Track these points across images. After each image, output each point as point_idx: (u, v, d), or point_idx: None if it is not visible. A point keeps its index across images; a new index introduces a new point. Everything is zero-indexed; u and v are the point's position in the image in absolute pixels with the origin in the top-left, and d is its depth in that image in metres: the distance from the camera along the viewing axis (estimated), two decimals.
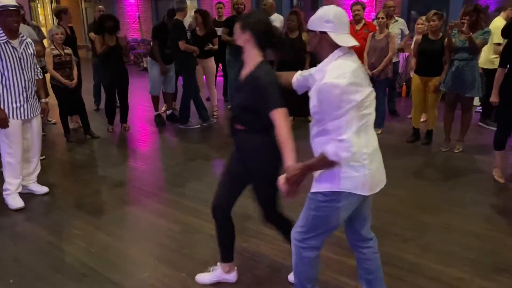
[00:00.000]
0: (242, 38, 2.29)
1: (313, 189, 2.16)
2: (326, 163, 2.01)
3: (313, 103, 2.05)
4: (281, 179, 2.09)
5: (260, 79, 2.23)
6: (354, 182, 2.06)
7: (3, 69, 3.65)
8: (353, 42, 2.03)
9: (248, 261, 3.03)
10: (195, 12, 6.58)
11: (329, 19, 2.01)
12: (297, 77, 2.39)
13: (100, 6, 8.13)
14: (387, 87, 6.18)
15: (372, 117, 2.09)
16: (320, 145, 2.03)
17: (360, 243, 2.42)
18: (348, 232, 2.42)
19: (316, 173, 2.13)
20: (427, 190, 4.22)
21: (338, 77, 1.92)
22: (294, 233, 2.29)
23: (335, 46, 2.01)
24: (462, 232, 3.41)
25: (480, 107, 7.26)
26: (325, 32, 2.01)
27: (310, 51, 2.17)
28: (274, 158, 2.29)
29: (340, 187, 2.06)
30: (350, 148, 1.94)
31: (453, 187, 4.26)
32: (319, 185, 2.13)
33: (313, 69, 2.22)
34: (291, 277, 2.71)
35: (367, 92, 2.01)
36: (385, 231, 3.42)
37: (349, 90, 1.91)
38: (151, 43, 6.71)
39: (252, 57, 2.31)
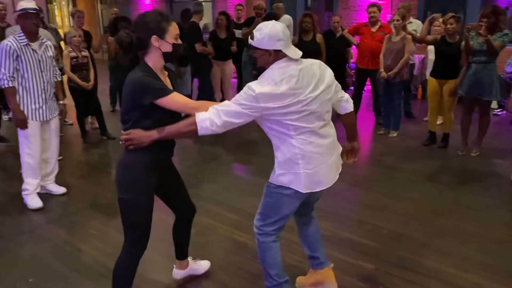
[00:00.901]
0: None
1: (269, 178, 2.37)
2: (188, 128, 2.19)
3: None
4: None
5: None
6: (288, 178, 2.27)
7: (23, 71, 3.71)
8: (299, 53, 2.21)
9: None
10: (220, 14, 6.59)
11: (280, 38, 2.14)
12: None
13: (114, 9, 8.21)
14: (403, 90, 6.13)
15: (319, 122, 2.24)
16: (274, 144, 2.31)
17: (303, 223, 2.68)
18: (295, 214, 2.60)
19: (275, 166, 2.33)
20: (443, 194, 4.18)
21: (263, 85, 2.11)
22: (254, 221, 2.49)
23: (283, 58, 2.18)
24: (480, 237, 3.37)
25: (498, 110, 7.18)
26: (279, 50, 2.16)
27: (262, 66, 2.25)
28: None
29: (278, 181, 2.31)
30: (217, 129, 2.14)
31: (470, 191, 4.21)
32: (272, 176, 2.35)
33: None
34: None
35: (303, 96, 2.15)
36: (401, 235, 3.40)
37: (260, 95, 2.09)
38: None
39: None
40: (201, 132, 2.16)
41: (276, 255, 2.50)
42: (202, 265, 2.96)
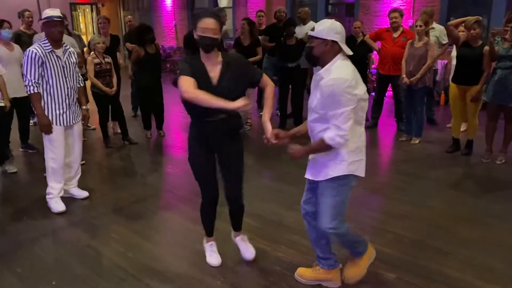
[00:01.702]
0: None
1: (326, 177, 2.52)
2: (323, 147, 2.44)
3: (316, 96, 2.46)
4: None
5: None
6: (355, 166, 2.52)
7: (48, 77, 3.79)
8: (350, 51, 2.47)
9: (283, 272, 3.01)
10: (243, 19, 6.62)
11: (337, 31, 2.43)
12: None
13: (129, 16, 8.35)
14: (425, 96, 6.04)
15: (364, 113, 2.53)
16: (319, 131, 2.47)
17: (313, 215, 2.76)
18: (309, 205, 2.77)
19: (321, 164, 2.54)
20: (467, 202, 4.09)
21: (345, 74, 2.35)
22: (324, 224, 2.58)
23: (337, 53, 2.44)
24: (505, 247, 3.28)
25: None
26: (335, 41, 2.41)
27: (316, 55, 2.48)
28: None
29: (349, 170, 2.49)
30: (346, 136, 2.37)
31: (495, 200, 4.11)
32: (326, 173, 2.52)
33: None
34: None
35: (364, 89, 2.44)
36: (424, 243, 3.34)
37: (352, 84, 2.33)
38: (185, 52, 6.76)
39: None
40: (338, 146, 2.43)
41: (350, 229, 2.70)
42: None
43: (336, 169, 2.49)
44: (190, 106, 2.60)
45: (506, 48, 4.66)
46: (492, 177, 4.72)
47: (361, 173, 2.56)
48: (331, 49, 2.42)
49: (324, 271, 2.83)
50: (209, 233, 3.18)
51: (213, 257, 3.13)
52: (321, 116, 2.44)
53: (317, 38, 2.44)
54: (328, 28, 2.42)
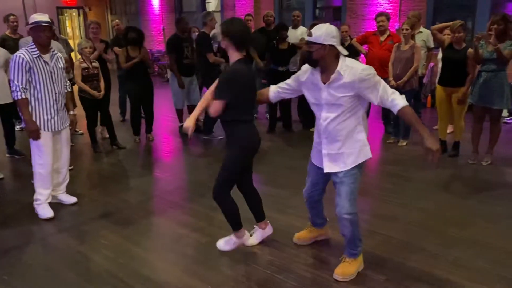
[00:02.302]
0: (223, 43, 2.92)
1: (347, 167, 2.78)
2: (412, 112, 2.72)
3: (346, 93, 2.66)
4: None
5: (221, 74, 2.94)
6: (367, 150, 2.84)
7: (36, 83, 3.76)
8: (346, 51, 2.70)
9: (274, 275, 3.02)
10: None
11: (334, 35, 2.64)
12: (275, 90, 3.09)
13: (117, 20, 8.31)
14: (412, 98, 6.10)
15: None
16: (338, 125, 2.75)
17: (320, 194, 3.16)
18: (317, 188, 3.10)
19: (340, 156, 2.79)
20: (455, 204, 4.14)
21: (367, 67, 2.64)
22: (345, 214, 2.80)
23: (337, 54, 2.66)
24: (493, 248, 3.32)
25: (509, 118, 7.12)
26: (332, 45, 2.63)
27: (315, 59, 2.68)
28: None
29: (366, 155, 2.83)
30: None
31: (482, 201, 4.17)
32: (353, 161, 2.78)
33: (300, 73, 2.89)
34: None
35: None
36: (413, 245, 3.37)
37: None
38: (169, 57, 6.73)
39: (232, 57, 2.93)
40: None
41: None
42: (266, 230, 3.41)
43: (362, 155, 2.80)
44: None
45: (490, 51, 4.74)
46: (479, 178, 4.79)
47: (369, 155, 2.87)
48: (330, 53, 2.64)
49: (317, 230, 3.37)
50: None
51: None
52: (347, 113, 2.71)
53: (315, 43, 2.62)
54: (325, 34, 2.61)
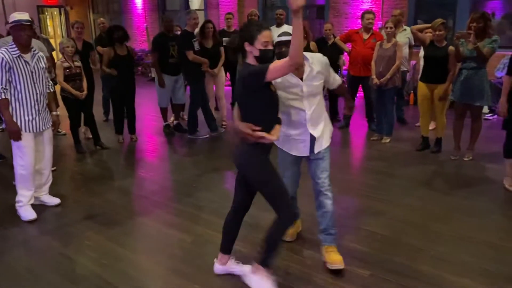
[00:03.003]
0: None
1: (328, 142, 3.06)
2: None
3: (320, 80, 2.94)
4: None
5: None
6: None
7: (16, 83, 3.70)
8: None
9: None
10: (208, 22, 6.56)
11: None
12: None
13: (101, 19, 8.20)
14: (395, 96, 6.18)
15: None
16: (323, 110, 3.04)
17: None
18: (297, 180, 3.27)
19: (323, 134, 3.02)
20: (438, 200, 4.20)
21: (319, 54, 3.04)
22: (327, 181, 3.04)
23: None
24: (475, 242, 3.39)
25: (490, 115, 7.25)
26: None
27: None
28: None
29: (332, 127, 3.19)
30: None
31: (464, 196, 4.24)
32: (330, 134, 3.10)
33: None
34: None
35: None
36: (398, 240, 3.41)
37: None
38: (152, 55, 6.70)
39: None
40: None
41: None
42: (242, 268, 2.97)
43: (331, 127, 3.14)
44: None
45: (470, 49, 4.81)
46: (461, 174, 4.87)
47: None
48: None
49: (297, 222, 3.49)
50: None
51: None
52: (320, 95, 2.99)
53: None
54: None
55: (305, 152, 3.01)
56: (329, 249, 3.08)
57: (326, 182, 3.04)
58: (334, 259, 3.00)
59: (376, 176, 4.82)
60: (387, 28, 5.71)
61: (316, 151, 3.01)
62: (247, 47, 2.55)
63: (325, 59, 2.96)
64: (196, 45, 6.20)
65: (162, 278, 3.01)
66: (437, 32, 5.12)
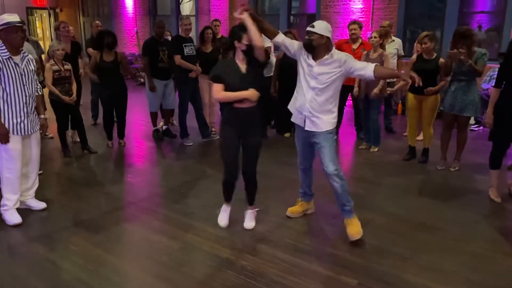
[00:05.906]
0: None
1: (323, 129, 3.45)
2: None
3: (334, 69, 3.39)
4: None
5: None
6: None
7: (5, 85, 3.66)
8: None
9: (247, 281, 3.02)
10: (208, 28, 6.59)
11: (330, 30, 3.38)
12: (283, 37, 3.54)
13: (97, 22, 8.17)
14: (383, 104, 6.24)
15: None
16: (324, 101, 3.47)
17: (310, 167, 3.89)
18: (306, 162, 3.82)
19: (319, 120, 3.45)
20: (424, 209, 4.24)
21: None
22: (331, 168, 3.42)
23: (329, 47, 3.37)
24: (461, 251, 3.43)
25: (475, 126, 7.35)
26: (328, 37, 3.34)
27: (314, 46, 3.34)
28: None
29: (333, 124, 3.52)
30: None
31: (451, 206, 4.29)
32: (327, 125, 3.46)
33: (299, 46, 3.49)
34: None
35: None
36: (383, 250, 3.43)
37: None
38: (142, 60, 6.70)
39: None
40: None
41: None
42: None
43: (331, 122, 3.47)
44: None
45: (459, 64, 4.88)
46: (447, 184, 4.93)
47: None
48: (325, 44, 3.33)
49: (307, 203, 4.00)
50: (228, 198, 3.80)
51: (222, 217, 3.81)
52: (327, 86, 3.40)
53: (315, 33, 3.29)
54: (324, 27, 3.34)
55: (301, 123, 3.52)
56: (348, 221, 3.56)
57: (330, 167, 3.42)
58: (351, 232, 3.50)
59: (364, 185, 4.85)
60: (371, 38, 5.77)
61: (307, 127, 3.48)
62: (236, 44, 3.32)
63: (347, 57, 3.38)
64: (189, 50, 6.19)
65: (148, 284, 2.99)
66: (423, 46, 5.19)
